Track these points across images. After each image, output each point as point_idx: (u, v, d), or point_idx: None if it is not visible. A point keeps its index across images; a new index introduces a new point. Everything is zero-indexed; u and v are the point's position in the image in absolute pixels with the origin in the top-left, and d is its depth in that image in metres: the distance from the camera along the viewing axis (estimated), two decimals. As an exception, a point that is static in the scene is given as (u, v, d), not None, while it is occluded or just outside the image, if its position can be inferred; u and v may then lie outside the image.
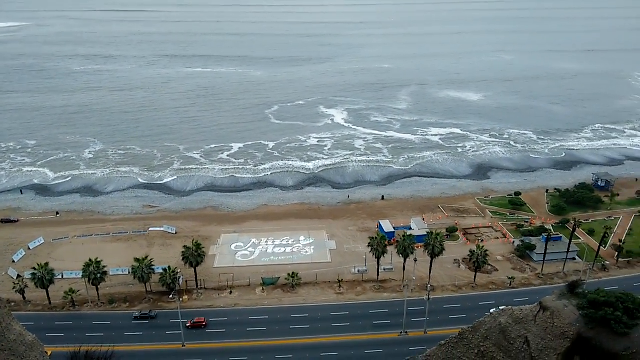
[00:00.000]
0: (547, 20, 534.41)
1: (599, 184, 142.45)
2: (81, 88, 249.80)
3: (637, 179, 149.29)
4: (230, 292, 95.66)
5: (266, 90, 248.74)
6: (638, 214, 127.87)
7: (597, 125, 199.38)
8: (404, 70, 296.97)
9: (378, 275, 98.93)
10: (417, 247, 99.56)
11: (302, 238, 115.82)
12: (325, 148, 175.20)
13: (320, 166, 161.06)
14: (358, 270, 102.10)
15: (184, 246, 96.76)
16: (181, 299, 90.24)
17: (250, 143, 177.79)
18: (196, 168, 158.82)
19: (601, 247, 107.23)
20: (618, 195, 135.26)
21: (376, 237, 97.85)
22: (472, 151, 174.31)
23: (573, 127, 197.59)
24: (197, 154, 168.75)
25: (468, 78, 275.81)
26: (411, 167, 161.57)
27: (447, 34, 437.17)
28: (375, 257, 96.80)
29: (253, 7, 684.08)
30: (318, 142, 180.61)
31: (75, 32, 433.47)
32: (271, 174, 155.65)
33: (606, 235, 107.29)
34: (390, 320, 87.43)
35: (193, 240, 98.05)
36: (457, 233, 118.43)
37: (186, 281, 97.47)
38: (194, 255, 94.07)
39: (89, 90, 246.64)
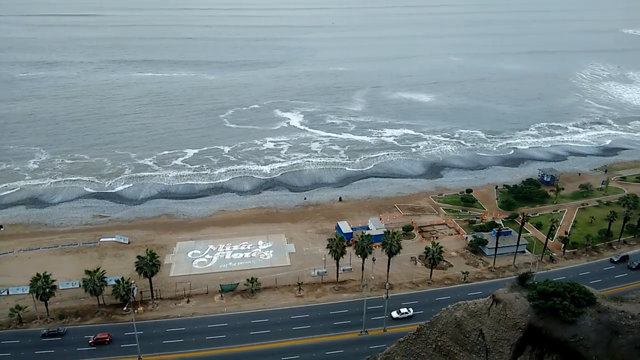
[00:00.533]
0: (493, 24, 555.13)
1: (545, 179, 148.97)
2: (24, 96, 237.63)
3: (579, 174, 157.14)
4: (188, 301, 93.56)
5: (220, 95, 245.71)
6: (581, 207, 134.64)
7: (542, 124, 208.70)
8: (358, 73, 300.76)
9: (337, 276, 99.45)
10: (375, 247, 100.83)
11: (260, 242, 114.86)
12: (282, 151, 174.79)
13: (277, 169, 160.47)
14: (318, 272, 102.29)
15: (138, 256, 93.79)
16: (136, 311, 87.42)
17: (205, 148, 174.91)
18: (149, 175, 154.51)
19: (548, 240, 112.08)
20: (563, 189, 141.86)
21: (335, 239, 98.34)
22: (425, 151, 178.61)
23: (519, 126, 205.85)
24: (150, 160, 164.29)
25: (420, 80, 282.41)
26: (368, 168, 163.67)
27: (399, 37, 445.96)
28: (335, 259, 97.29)
29: (204, 11, 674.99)
30: (274, 145, 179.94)
31: (14, 38, 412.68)
32: (228, 179, 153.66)
33: (553, 228, 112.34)
34: (351, 321, 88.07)
35: (147, 250, 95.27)
36: (413, 231, 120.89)
37: (141, 292, 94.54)
38: (149, 265, 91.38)
39: (32, 98, 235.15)
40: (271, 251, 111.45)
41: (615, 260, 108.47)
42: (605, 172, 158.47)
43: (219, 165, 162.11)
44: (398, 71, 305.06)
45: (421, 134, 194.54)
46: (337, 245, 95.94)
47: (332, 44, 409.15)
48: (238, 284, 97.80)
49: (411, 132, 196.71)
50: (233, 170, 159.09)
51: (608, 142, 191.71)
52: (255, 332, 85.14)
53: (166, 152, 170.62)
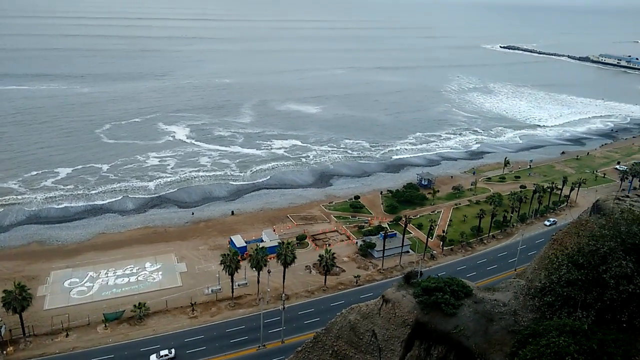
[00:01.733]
0: (368, 40, 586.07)
1: (423, 182, 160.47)
2: None
3: (451, 176, 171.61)
4: (67, 335, 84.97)
5: (96, 109, 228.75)
6: (455, 207, 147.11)
7: (417, 133, 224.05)
8: (245, 85, 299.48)
9: (232, 292, 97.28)
10: (270, 259, 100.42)
11: (148, 264, 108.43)
12: (168, 167, 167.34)
13: (163, 186, 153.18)
14: (212, 290, 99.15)
15: (5, 290, 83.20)
16: (5, 352, 77.30)
17: (80, 167, 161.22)
18: (14, 199, 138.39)
19: (429, 239, 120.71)
20: (438, 191, 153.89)
21: (228, 254, 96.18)
22: (315, 161, 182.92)
23: (398, 135, 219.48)
24: (15, 183, 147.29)
25: (307, 92, 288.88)
26: (259, 180, 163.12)
27: (285, 50, 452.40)
28: (229, 274, 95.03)
29: (73, 20, 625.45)
30: (159, 161, 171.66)
31: None
32: (108, 199, 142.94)
33: (432, 227, 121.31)
34: (248, 336, 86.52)
35: (15, 282, 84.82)
36: (306, 240, 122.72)
37: (10, 330, 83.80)
38: (18, 300, 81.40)
39: None
40: (160, 272, 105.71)
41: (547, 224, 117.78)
42: (474, 174, 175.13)
43: (96, 184, 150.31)
44: (285, 84, 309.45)
45: (309, 144, 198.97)
46: (231, 260, 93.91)
47: (218, 56, 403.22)
48: (124, 311, 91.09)
49: (299, 142, 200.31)
50: (113, 189, 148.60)
51: (474, 147, 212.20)
52: (146, 360, 79.90)
53: (34, 173, 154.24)
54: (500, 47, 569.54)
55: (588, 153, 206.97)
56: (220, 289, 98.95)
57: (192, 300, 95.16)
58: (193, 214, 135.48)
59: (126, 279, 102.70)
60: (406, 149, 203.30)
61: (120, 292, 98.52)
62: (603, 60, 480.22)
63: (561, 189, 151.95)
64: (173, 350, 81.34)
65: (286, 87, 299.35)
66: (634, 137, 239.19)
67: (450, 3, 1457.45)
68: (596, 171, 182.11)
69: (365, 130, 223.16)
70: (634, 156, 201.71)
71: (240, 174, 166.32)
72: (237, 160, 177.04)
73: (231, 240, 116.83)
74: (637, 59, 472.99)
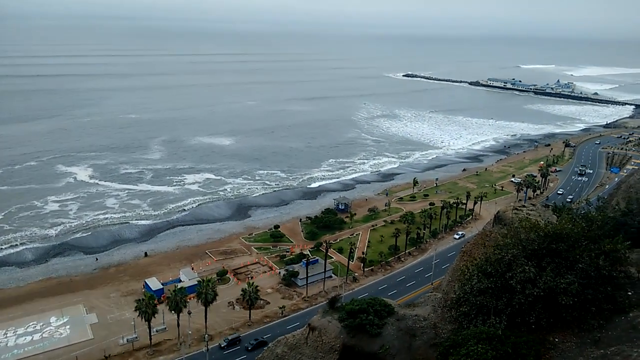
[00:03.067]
0: (284, 71, 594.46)
1: (340, 207, 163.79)
2: None
3: (366, 199, 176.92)
4: (-42, 411, 74.71)
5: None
6: (372, 228, 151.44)
7: (331, 160, 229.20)
8: (155, 120, 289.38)
9: (150, 339, 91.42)
10: (190, 299, 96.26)
11: (53, 319, 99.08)
12: (70, 211, 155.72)
13: (66, 232, 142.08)
14: (127, 340, 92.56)
15: None
16: None
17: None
18: None
19: (350, 262, 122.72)
20: (355, 214, 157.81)
21: (143, 299, 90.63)
22: (231, 193, 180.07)
23: (313, 162, 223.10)
24: None
25: (219, 125, 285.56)
26: (173, 218, 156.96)
27: (192, 85, 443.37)
28: (145, 320, 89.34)
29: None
30: (60, 205, 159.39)
31: None
32: (3, 251, 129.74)
33: (352, 250, 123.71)
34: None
35: None
36: (227, 275, 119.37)
37: None
38: None
39: None
40: (68, 326, 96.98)
41: (457, 237, 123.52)
42: (387, 195, 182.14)
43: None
44: (197, 117, 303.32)
45: (223, 177, 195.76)
46: (147, 305, 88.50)
47: (122, 92, 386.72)
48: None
49: (212, 176, 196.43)
50: (8, 239, 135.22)
51: (385, 169, 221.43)
52: None
53: None
54: (402, 75, 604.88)
55: (486, 169, 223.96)
56: (136, 337, 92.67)
57: (105, 352, 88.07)
58: (97, 259, 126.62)
59: (29, 338, 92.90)
60: (322, 176, 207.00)
61: (23, 352, 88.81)
62: (491, 84, 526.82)
63: (466, 204, 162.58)
64: None
65: (197, 121, 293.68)
66: (524, 151, 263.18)
67: (354, 35, 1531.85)
68: (494, 185, 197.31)
69: (279, 159, 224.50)
70: (526, 169, 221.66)
71: (152, 213, 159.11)
72: (148, 199, 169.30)
73: (146, 283, 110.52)
74: (520, 81, 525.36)
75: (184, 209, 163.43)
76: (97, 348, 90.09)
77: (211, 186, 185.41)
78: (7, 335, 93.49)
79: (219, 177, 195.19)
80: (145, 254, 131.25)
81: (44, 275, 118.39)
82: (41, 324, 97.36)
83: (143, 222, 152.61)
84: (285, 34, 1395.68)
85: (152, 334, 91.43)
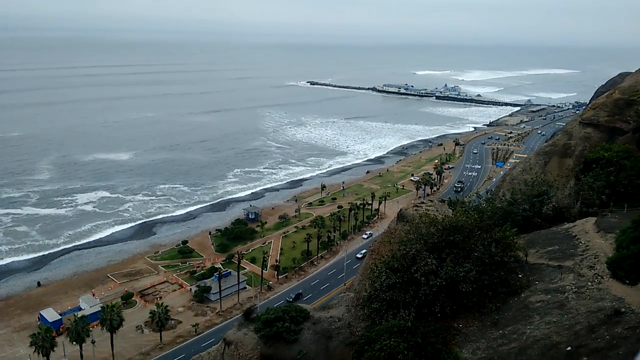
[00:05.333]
0: (184, 83, 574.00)
1: (250, 216, 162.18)
2: None
3: (273, 207, 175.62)
4: None
5: None
6: (284, 235, 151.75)
7: (237, 170, 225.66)
8: (42, 137, 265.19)
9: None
10: (93, 327, 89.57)
11: None
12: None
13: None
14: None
15: None
16: None
17: None
18: None
19: (263, 271, 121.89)
20: (266, 223, 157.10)
21: (39, 332, 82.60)
22: (131, 211, 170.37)
23: (219, 174, 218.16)
24: None
25: (116, 139, 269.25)
26: (66, 241, 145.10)
27: (89, 99, 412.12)
28: (43, 355, 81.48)
29: None
30: None
31: None
32: None
33: (265, 259, 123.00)
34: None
35: None
36: (133, 298, 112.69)
37: None
38: None
39: None
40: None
41: (359, 257, 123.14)
42: (296, 201, 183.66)
43: None
44: (90, 132, 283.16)
45: (120, 195, 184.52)
46: (44, 339, 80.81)
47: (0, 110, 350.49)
48: None
49: (107, 194, 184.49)
50: None
51: (292, 175, 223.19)
52: None
53: None
54: (306, 82, 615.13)
55: (387, 169, 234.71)
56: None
57: (-4, 398, 79.01)
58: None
59: None
60: (229, 186, 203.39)
61: None
62: (387, 90, 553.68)
63: (371, 204, 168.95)
64: None
65: (91, 137, 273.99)
66: (420, 151, 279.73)
67: (253, 43, 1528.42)
68: (396, 184, 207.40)
69: (183, 173, 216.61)
70: (423, 168, 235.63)
71: (42, 239, 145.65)
72: (37, 225, 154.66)
73: (41, 315, 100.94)
74: (412, 86, 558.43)
75: (78, 231, 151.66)
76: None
77: (108, 205, 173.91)
78: None
79: (115, 195, 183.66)
80: (38, 283, 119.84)
81: None
82: None
83: (33, 249, 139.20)
84: (185, 44, 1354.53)
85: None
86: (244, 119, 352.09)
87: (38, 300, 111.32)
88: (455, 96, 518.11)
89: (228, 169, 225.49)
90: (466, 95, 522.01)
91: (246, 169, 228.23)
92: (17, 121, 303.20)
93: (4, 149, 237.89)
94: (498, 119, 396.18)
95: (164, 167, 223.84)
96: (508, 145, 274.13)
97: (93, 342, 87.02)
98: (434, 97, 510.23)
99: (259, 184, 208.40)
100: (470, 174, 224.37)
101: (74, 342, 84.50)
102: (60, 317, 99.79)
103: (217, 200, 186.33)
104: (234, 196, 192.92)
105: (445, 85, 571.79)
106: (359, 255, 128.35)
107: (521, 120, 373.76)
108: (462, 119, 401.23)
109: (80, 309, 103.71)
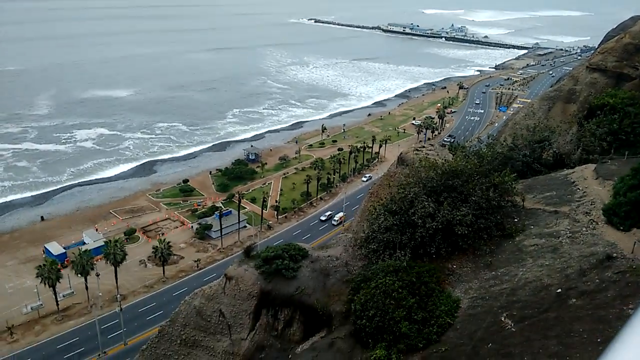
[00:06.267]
0: (186, 18, 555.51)
1: (250, 157, 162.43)
2: None
3: (270, 150, 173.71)
4: None
5: None
6: (284, 176, 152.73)
7: (236, 110, 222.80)
8: (39, 72, 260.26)
9: (58, 304, 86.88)
10: (97, 260, 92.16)
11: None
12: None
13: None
14: (31, 308, 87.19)
15: None
16: None
17: None
18: None
19: (263, 211, 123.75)
20: (266, 164, 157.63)
21: (45, 264, 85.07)
22: (131, 149, 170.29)
23: (218, 113, 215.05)
24: None
25: (117, 75, 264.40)
26: (69, 177, 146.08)
27: (87, 35, 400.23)
28: (49, 286, 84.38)
29: None
30: None
31: None
32: None
33: (265, 199, 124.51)
34: (84, 347, 78.98)
35: None
36: (136, 234, 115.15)
37: None
38: None
39: None
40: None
41: (323, 219, 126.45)
42: (296, 142, 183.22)
43: None
44: (89, 68, 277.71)
45: (119, 132, 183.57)
46: (50, 271, 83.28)
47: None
48: None
49: (106, 131, 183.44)
50: None
51: (293, 117, 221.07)
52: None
53: None
54: (306, 20, 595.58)
55: (389, 113, 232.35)
56: (42, 304, 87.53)
57: (8, 323, 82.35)
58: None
59: None
60: (229, 127, 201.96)
61: None
62: (391, 29, 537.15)
63: (372, 147, 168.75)
64: None
65: (90, 73, 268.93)
66: (423, 94, 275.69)
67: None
68: (397, 128, 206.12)
69: (182, 111, 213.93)
70: (425, 111, 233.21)
71: (44, 174, 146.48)
72: (38, 160, 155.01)
73: (46, 248, 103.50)
74: (417, 26, 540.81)
75: (80, 167, 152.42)
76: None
77: (107, 142, 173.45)
78: None
79: (114, 132, 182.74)
80: (42, 218, 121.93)
81: None
82: None
83: (35, 183, 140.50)
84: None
85: (58, 299, 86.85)
86: (245, 58, 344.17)
87: (42, 234, 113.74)
88: (462, 37, 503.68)
89: (227, 109, 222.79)
90: (473, 37, 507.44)
91: (245, 109, 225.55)
92: (13, 55, 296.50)
93: (1, 84, 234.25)
94: (504, 62, 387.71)
95: (163, 105, 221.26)
96: (512, 89, 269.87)
97: (97, 274, 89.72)
98: (443, 39, 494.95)
99: (259, 125, 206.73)
100: (472, 118, 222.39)
101: (79, 275, 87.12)
102: (64, 250, 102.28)
103: (218, 141, 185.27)
104: (234, 138, 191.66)
105: (452, 25, 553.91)
106: (322, 218, 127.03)
107: (527, 64, 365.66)
108: (468, 61, 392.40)
109: (84, 243, 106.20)
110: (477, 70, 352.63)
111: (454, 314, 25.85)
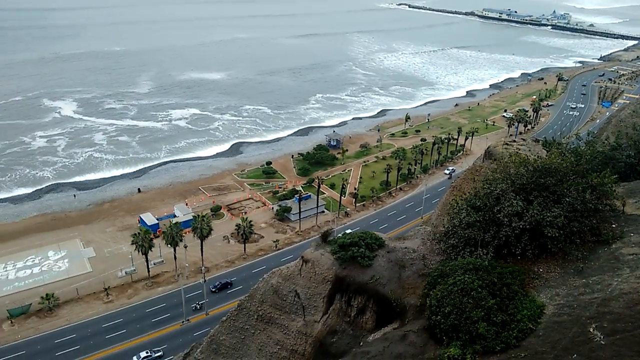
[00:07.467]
0: (277, 3, 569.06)
1: (332, 143, 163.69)
2: None
3: (350, 137, 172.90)
4: (-34, 340, 77.88)
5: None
6: (364, 164, 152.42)
7: (319, 96, 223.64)
8: (141, 54, 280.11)
9: (149, 271, 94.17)
10: (186, 233, 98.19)
11: (51, 253, 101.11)
12: (59, 147, 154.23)
13: (58, 167, 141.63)
14: (125, 272, 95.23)
15: None
16: None
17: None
18: None
19: (342, 197, 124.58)
20: (347, 150, 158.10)
21: (139, 233, 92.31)
22: (221, 129, 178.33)
23: (303, 98, 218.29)
24: None
25: (210, 58, 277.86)
26: (164, 154, 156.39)
27: (185, 18, 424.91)
28: (142, 254, 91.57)
29: None
30: (47, 141, 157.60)
31: None
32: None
33: (344, 186, 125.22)
34: (170, 313, 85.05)
35: None
36: (221, 211, 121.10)
37: None
38: None
39: None
40: (66, 260, 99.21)
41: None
42: (378, 131, 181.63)
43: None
44: (188, 52, 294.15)
45: (209, 113, 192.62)
46: (143, 239, 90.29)
47: (103, 20, 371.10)
48: (31, 304, 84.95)
49: (198, 111, 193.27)
50: None
51: (376, 105, 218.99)
52: (62, 351, 75.73)
53: None
54: (394, 5, 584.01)
55: (478, 103, 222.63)
56: (135, 269, 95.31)
57: (105, 285, 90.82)
58: (75, 196, 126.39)
59: (28, 271, 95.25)
60: (312, 112, 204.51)
61: (24, 285, 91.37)
62: (486, 15, 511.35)
63: (457, 139, 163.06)
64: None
65: (187, 55, 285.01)
66: (517, 85, 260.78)
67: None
68: (486, 120, 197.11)
69: (268, 95, 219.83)
70: (518, 103, 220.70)
71: (143, 149, 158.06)
72: (137, 136, 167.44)
73: (141, 218, 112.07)
74: (515, 12, 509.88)
75: (174, 145, 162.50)
76: (96, 280, 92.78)
77: (199, 122, 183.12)
78: (7, 268, 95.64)
79: (205, 113, 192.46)
80: (139, 190, 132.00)
81: (39, 211, 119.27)
82: (39, 257, 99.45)
83: (134, 158, 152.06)
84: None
85: (149, 266, 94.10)
86: (334, 44, 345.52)
87: (138, 205, 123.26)
88: (564, 25, 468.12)
89: (311, 94, 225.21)
90: (577, 25, 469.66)
91: (328, 95, 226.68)
92: (120, 37, 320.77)
93: (108, 63, 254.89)
94: (610, 54, 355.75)
95: (251, 88, 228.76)
96: (618, 83, 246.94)
97: (185, 246, 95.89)
98: (550, 27, 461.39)
99: (344, 112, 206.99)
100: (571, 113, 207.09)
101: (169, 245, 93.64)
102: (157, 221, 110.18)
103: (303, 127, 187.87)
104: (319, 124, 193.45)
105: (554, 12, 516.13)
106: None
107: (638, 57, 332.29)
108: (569, 51, 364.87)
109: (174, 215, 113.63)
110: (579, 62, 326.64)
111: (537, 319, 24.56)
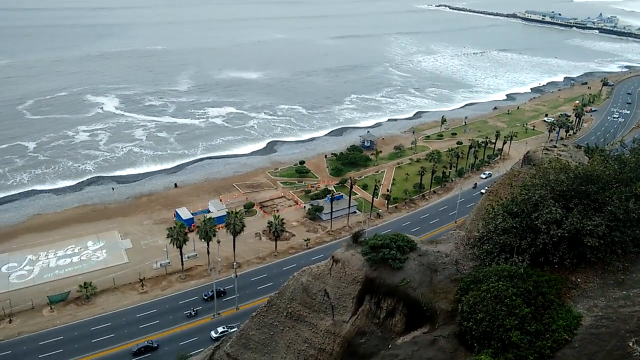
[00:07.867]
0: (313, 3, 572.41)
1: (365, 144, 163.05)
2: None
3: (383, 138, 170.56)
4: (10, 321, 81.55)
5: (14, 83, 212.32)
6: (397, 166, 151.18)
7: (354, 96, 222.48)
8: (181, 52, 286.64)
9: (182, 264, 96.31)
10: (219, 229, 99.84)
11: (90, 243, 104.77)
12: (101, 142, 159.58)
13: (99, 161, 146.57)
14: (160, 264, 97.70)
15: None
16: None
17: (5, 146, 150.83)
18: None
19: (374, 198, 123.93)
20: (381, 152, 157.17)
21: (175, 227, 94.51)
22: (256, 128, 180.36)
23: (336, 99, 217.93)
24: None
25: (247, 58, 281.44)
26: (200, 151, 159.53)
27: (223, 19, 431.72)
28: (177, 247, 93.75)
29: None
30: (90, 135, 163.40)
31: None
32: (39, 178, 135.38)
33: (376, 187, 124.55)
34: (202, 306, 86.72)
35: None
36: (254, 208, 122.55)
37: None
38: (-50, 291, 76.79)
39: None
40: (104, 250, 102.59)
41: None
42: (413, 133, 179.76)
43: (24, 164, 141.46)
44: (226, 52, 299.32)
45: (245, 112, 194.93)
46: (178, 233, 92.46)
47: (146, 20, 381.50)
48: (70, 292, 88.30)
49: (234, 110, 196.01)
50: (44, 167, 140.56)
51: (412, 106, 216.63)
52: (98, 339, 78.39)
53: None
54: (433, 7, 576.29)
55: (518, 107, 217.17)
56: (169, 262, 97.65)
57: (140, 276, 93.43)
58: (113, 189, 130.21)
59: (68, 260, 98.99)
60: (346, 112, 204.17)
61: (64, 273, 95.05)
62: (529, 17, 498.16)
63: (494, 143, 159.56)
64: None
65: (226, 55, 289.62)
66: (559, 89, 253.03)
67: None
68: (526, 124, 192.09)
69: (302, 94, 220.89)
70: (560, 108, 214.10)
71: (179, 145, 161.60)
72: (175, 132, 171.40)
73: (177, 213, 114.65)
74: (559, 14, 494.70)
75: (211, 142, 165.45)
76: (132, 271, 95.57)
77: (235, 121, 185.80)
78: (49, 256, 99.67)
79: (241, 112, 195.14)
80: (175, 184, 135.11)
81: (80, 202, 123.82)
82: (79, 247, 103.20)
83: (172, 153, 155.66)
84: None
85: (183, 260, 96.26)
86: (371, 45, 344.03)
87: (174, 200, 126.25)
88: (611, 28, 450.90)
89: (345, 95, 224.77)
90: (624, 29, 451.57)
91: (363, 96, 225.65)
92: (160, 36, 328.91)
93: (150, 61, 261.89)
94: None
95: (286, 88, 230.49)
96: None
97: (218, 241, 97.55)
98: (595, 30, 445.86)
99: (379, 114, 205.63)
100: (616, 119, 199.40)
101: (203, 240, 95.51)
102: (192, 216, 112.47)
103: (337, 127, 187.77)
104: (350, 121, 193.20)
105: (600, 15, 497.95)
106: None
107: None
108: (616, 55, 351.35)
109: (209, 211, 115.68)
110: (626, 66, 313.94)
111: (573, 330, 23.79)
